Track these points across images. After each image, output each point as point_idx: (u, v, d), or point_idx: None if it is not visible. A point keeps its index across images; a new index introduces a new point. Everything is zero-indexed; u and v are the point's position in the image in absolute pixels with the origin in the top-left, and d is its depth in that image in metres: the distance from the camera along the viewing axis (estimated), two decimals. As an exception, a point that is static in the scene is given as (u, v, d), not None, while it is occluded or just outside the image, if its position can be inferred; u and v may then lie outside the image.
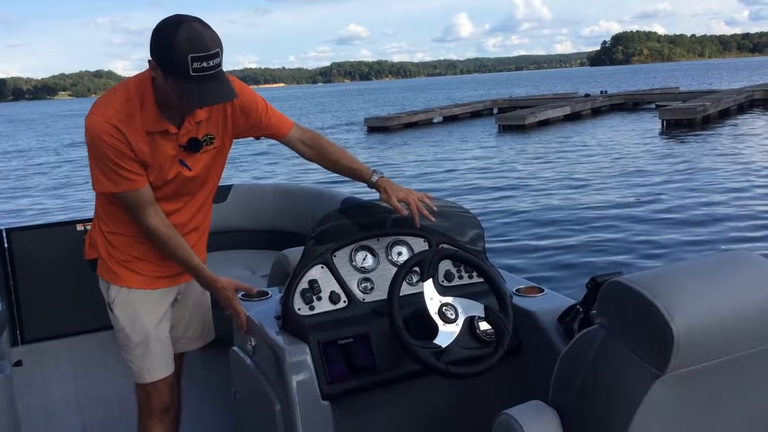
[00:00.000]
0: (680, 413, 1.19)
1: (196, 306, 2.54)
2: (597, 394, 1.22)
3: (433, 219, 2.39)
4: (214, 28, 1.96)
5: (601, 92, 42.53)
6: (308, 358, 2.08)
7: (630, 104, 37.33)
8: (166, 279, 2.37)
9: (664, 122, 24.77)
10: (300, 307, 2.21)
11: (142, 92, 2.07)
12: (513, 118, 29.53)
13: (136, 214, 2.16)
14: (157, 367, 2.37)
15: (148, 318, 2.34)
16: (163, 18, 1.97)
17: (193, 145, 2.18)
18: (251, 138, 2.43)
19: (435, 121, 35.88)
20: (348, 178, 2.51)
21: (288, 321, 2.21)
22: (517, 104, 39.13)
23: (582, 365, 1.24)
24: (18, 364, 4.00)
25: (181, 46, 1.87)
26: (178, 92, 1.95)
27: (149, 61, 2.00)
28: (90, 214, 2.68)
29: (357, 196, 3.85)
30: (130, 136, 2.04)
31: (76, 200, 16.77)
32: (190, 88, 1.92)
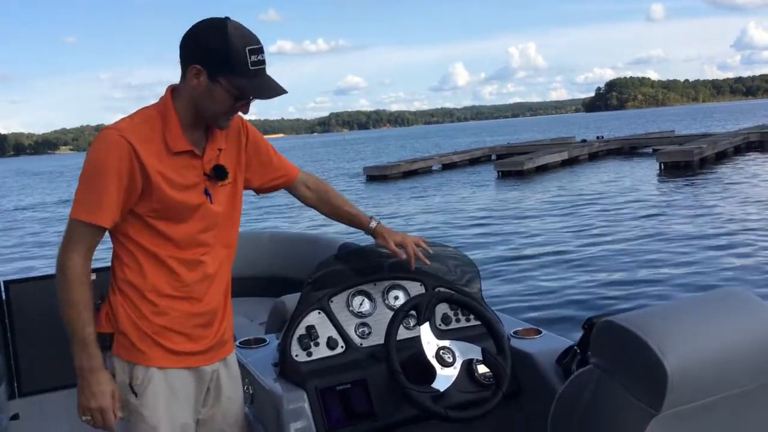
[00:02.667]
0: None
1: (227, 398, 2.15)
2: None
3: (428, 262, 2.40)
4: None
5: (598, 137, 42.86)
6: (306, 405, 2.07)
7: (627, 149, 37.59)
8: (204, 354, 2.05)
9: (662, 165, 24.92)
10: (297, 353, 2.21)
11: (164, 113, 1.92)
12: (511, 164, 29.77)
13: (67, 244, 1.90)
14: None
15: (183, 404, 2.03)
16: (194, 24, 1.88)
17: (219, 173, 2.00)
18: (253, 192, 2.29)
19: (434, 168, 36.12)
20: (345, 225, 2.50)
21: (285, 368, 2.20)
22: (515, 150, 39.42)
23: (578, 406, 1.24)
24: (15, 417, 3.94)
25: (237, 40, 1.81)
26: (237, 90, 1.85)
27: (189, 69, 1.86)
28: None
29: (353, 242, 3.86)
30: (147, 155, 1.86)
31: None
32: (251, 83, 1.85)
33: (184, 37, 1.88)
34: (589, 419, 1.22)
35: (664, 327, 1.17)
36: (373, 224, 2.41)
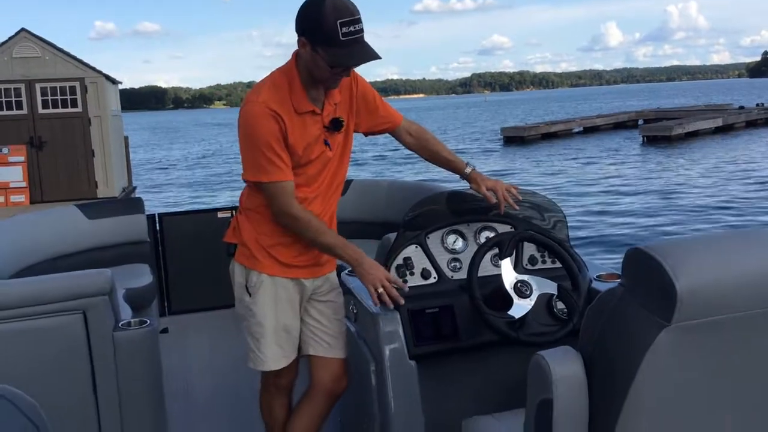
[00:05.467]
0: (684, 361, 1.35)
1: (329, 311, 2.52)
2: (612, 341, 1.41)
3: (517, 207, 2.60)
4: None
5: (758, 105, 39.72)
6: (399, 323, 2.36)
7: (791, 117, 34.68)
8: (305, 269, 2.43)
9: (827, 136, 22.89)
10: None
11: (289, 78, 2.23)
12: (658, 129, 28.45)
13: (278, 203, 2.27)
14: (280, 356, 2.44)
15: (286, 307, 2.42)
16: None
17: (336, 125, 2.31)
18: (361, 134, 2.60)
19: (575, 131, 35.13)
20: (443, 169, 2.74)
21: None
22: (665, 115, 37.45)
23: (601, 317, 1.44)
24: (164, 331, 4.55)
25: (330, 14, 2.04)
26: (330, 59, 2.10)
27: (298, 41, 2.16)
28: (229, 203, 2.84)
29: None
30: (285, 117, 2.19)
31: (221, 190, 18.07)
32: (342, 52, 2.08)
33: (297, 12, 2.19)
34: (609, 328, 1.42)
35: (681, 252, 1.34)
36: (468, 170, 2.63)
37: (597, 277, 2.59)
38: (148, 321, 2.95)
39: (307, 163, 2.32)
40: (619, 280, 2.55)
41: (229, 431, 3.36)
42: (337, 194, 2.50)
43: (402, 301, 2.29)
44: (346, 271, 2.83)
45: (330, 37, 2.07)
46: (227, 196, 18.19)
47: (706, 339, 1.36)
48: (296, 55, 2.26)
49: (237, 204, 2.57)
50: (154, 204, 17.05)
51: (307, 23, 2.13)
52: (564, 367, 1.47)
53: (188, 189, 21.51)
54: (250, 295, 2.41)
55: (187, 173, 26.87)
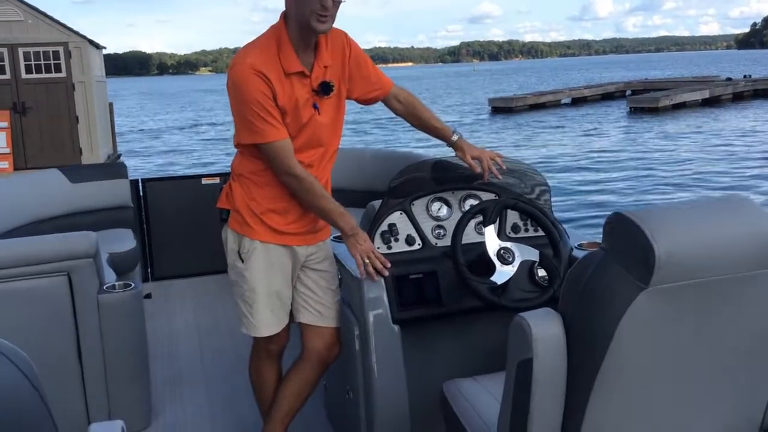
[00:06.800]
0: (661, 322, 1.40)
1: (323, 281, 2.54)
2: (592, 303, 1.45)
3: (500, 177, 2.62)
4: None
5: (745, 77, 39.77)
6: (383, 289, 2.39)
7: (777, 89, 34.76)
8: (297, 236, 2.43)
9: (812, 109, 23.01)
10: (379, 246, 2.52)
11: (278, 38, 2.23)
12: (645, 101, 28.50)
13: (279, 164, 2.26)
14: (272, 322, 2.46)
15: (278, 273, 2.43)
16: None
17: (325, 89, 2.31)
18: (353, 101, 2.58)
19: (563, 102, 35.10)
20: (431, 136, 2.75)
21: None
22: (653, 86, 37.44)
23: (582, 279, 1.48)
24: (148, 296, 4.57)
25: None
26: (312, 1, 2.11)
27: None
28: (213, 170, 2.85)
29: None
30: (273, 78, 2.19)
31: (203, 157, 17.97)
32: None
33: None
34: (590, 290, 1.45)
35: (660, 217, 1.38)
36: (455, 137, 2.65)
37: (578, 245, 2.64)
38: (132, 284, 2.96)
39: (300, 130, 2.31)
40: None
41: (213, 394, 3.40)
42: (331, 162, 2.50)
43: (386, 273, 2.35)
44: (332, 237, 2.86)
45: None
46: (220, 164, 18.12)
47: (683, 302, 1.40)
48: (284, 15, 2.25)
49: (223, 171, 2.55)
50: (143, 172, 16.95)
51: None
52: (544, 328, 1.50)
53: (178, 156, 21.36)
54: (242, 261, 2.43)
55: (175, 140, 26.66)
